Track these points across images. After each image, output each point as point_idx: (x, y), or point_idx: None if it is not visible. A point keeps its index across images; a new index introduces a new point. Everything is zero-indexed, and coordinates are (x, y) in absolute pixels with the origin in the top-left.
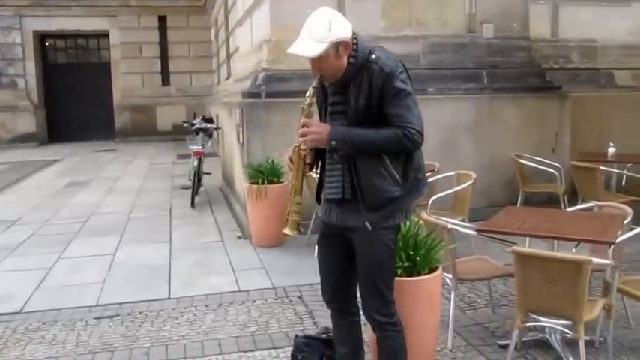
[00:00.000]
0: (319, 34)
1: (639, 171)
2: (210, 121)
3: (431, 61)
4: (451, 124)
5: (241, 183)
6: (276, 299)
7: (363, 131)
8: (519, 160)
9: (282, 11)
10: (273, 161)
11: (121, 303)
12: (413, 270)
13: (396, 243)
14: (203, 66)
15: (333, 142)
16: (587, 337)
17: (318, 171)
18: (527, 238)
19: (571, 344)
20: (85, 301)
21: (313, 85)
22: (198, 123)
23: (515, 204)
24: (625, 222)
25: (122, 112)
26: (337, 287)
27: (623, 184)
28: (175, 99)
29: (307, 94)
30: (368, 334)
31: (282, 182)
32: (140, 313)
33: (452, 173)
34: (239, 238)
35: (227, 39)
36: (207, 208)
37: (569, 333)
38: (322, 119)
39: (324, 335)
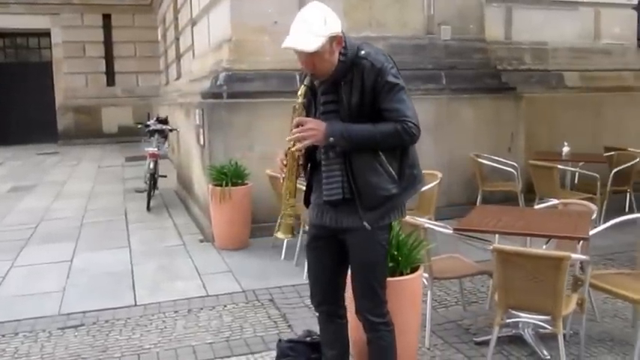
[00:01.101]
0: (316, 28)
1: (590, 169)
2: (164, 122)
3: None
4: None
5: (201, 185)
6: (247, 303)
7: (361, 126)
8: (478, 160)
9: (242, 11)
10: (236, 162)
11: (84, 312)
12: (395, 270)
13: (389, 242)
14: (150, 66)
15: (331, 139)
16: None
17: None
18: (497, 235)
19: (544, 339)
20: (45, 311)
21: (305, 83)
22: (152, 124)
23: (474, 203)
24: (592, 218)
25: (65, 114)
26: (327, 290)
27: (576, 182)
28: (121, 100)
29: (299, 93)
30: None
31: (247, 184)
32: (106, 321)
33: None
34: (201, 241)
35: (177, 38)
36: (164, 211)
37: (548, 328)
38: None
39: (308, 339)
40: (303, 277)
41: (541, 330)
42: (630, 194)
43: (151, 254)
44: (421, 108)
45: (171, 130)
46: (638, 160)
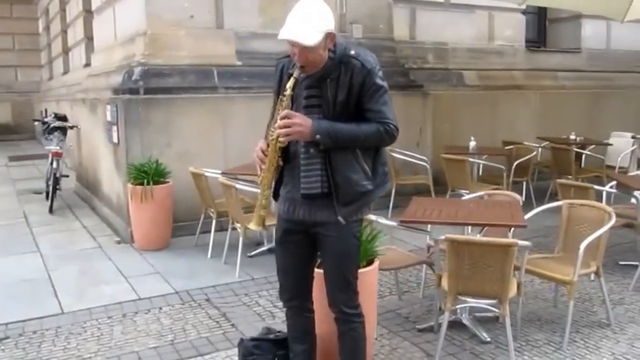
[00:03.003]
0: (316, 22)
1: (490, 162)
2: (63, 118)
3: None
4: None
5: (114, 185)
6: (183, 304)
7: (345, 125)
8: (392, 154)
9: (157, 4)
10: (157, 160)
11: (6, 323)
12: None
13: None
14: (30, 60)
15: (317, 136)
16: (491, 314)
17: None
18: (429, 226)
19: (481, 322)
20: None
21: (294, 75)
22: (50, 121)
23: (387, 196)
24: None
25: None
26: (298, 285)
27: (480, 173)
28: None
29: (288, 85)
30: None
31: (168, 182)
32: (34, 332)
33: None
34: (118, 242)
35: (64, 31)
36: (69, 213)
37: (495, 311)
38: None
39: (271, 336)
40: (235, 276)
41: (477, 314)
42: (528, 184)
43: (67, 258)
44: None
45: (71, 128)
46: (535, 153)
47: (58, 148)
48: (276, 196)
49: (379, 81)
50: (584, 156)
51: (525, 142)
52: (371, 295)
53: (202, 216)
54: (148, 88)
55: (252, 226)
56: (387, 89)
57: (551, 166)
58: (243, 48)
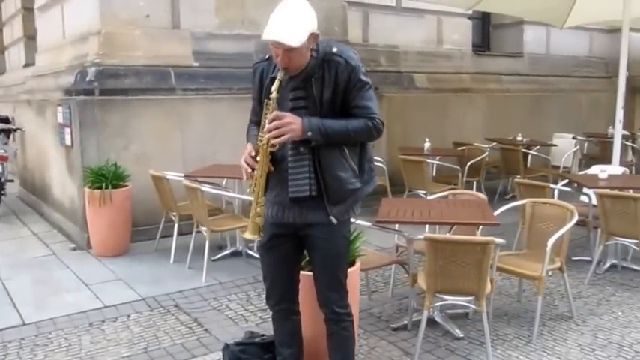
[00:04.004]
0: (300, 23)
1: (445, 162)
2: (6, 120)
3: None
4: None
5: (66, 189)
6: (151, 311)
7: (335, 121)
8: None
9: (112, 2)
10: (116, 163)
11: None
12: None
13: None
14: None
15: (309, 133)
16: (461, 310)
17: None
18: (397, 225)
19: (453, 319)
20: None
21: (279, 77)
22: None
23: None
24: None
25: None
26: (285, 289)
27: (434, 174)
28: None
29: (273, 88)
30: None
31: (127, 186)
32: None
33: None
34: (74, 249)
35: None
36: (15, 219)
37: (471, 307)
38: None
39: (257, 339)
40: (201, 280)
41: (448, 311)
42: (480, 183)
43: (20, 267)
44: None
45: (16, 130)
46: (487, 154)
47: (2, 151)
48: None
49: (364, 77)
50: (530, 156)
51: (475, 143)
52: (354, 296)
53: (163, 220)
54: (103, 89)
55: (248, 234)
56: (372, 85)
57: (500, 166)
58: (200, 49)
